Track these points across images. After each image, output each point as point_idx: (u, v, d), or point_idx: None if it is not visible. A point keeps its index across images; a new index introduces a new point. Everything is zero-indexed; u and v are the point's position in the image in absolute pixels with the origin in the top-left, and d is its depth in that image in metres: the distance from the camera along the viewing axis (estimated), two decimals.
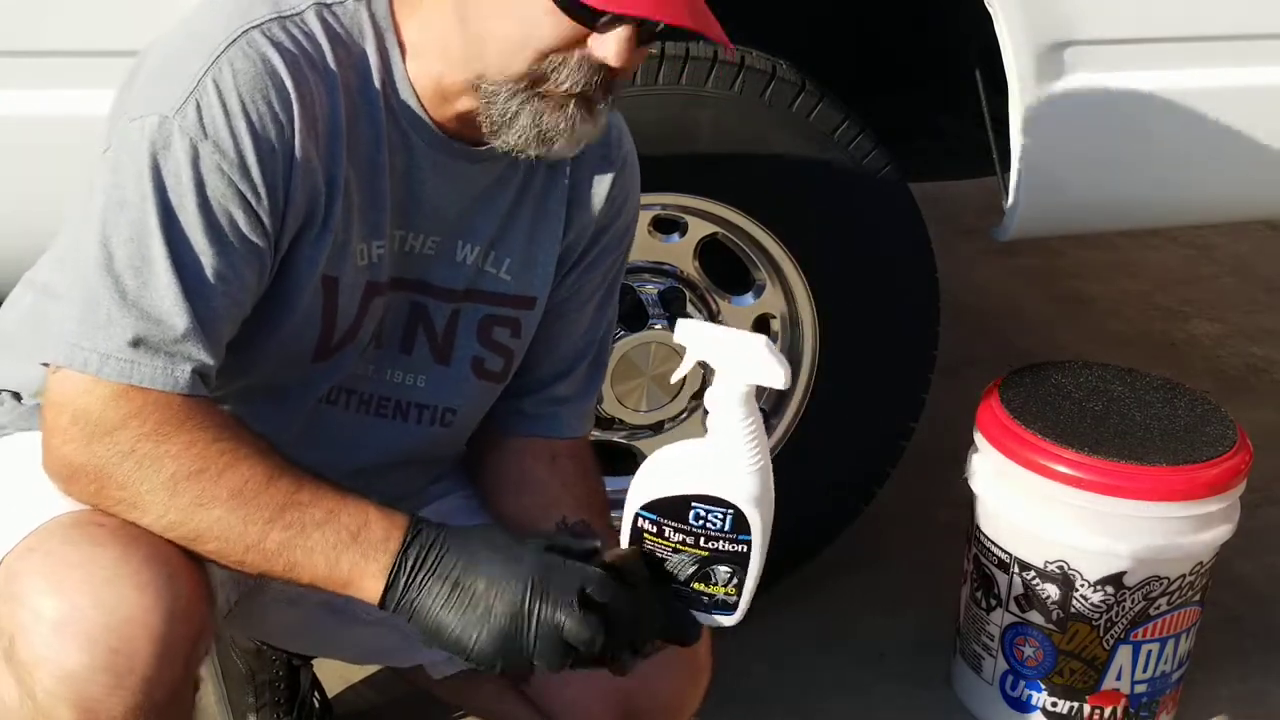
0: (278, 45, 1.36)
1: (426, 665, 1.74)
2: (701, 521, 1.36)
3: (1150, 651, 2.17)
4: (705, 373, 2.17)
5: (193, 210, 1.33)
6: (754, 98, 2.09)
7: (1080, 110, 2.13)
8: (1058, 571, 2.12)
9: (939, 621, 2.40)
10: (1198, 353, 3.65)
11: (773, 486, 1.38)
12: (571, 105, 1.40)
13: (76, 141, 1.57)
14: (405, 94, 1.45)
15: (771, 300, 2.27)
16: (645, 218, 2.15)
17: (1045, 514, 2.11)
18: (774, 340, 2.29)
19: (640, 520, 1.37)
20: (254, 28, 1.36)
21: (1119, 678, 2.18)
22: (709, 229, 2.20)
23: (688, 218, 2.18)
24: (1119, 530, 2.08)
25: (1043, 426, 2.13)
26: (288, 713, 2.05)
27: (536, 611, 1.30)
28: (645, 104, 2.01)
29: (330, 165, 1.41)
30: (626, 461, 2.31)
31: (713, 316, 2.24)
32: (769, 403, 2.32)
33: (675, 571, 1.38)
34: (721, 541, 1.37)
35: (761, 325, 2.29)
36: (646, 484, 1.37)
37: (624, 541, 1.39)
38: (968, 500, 2.26)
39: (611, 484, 1.76)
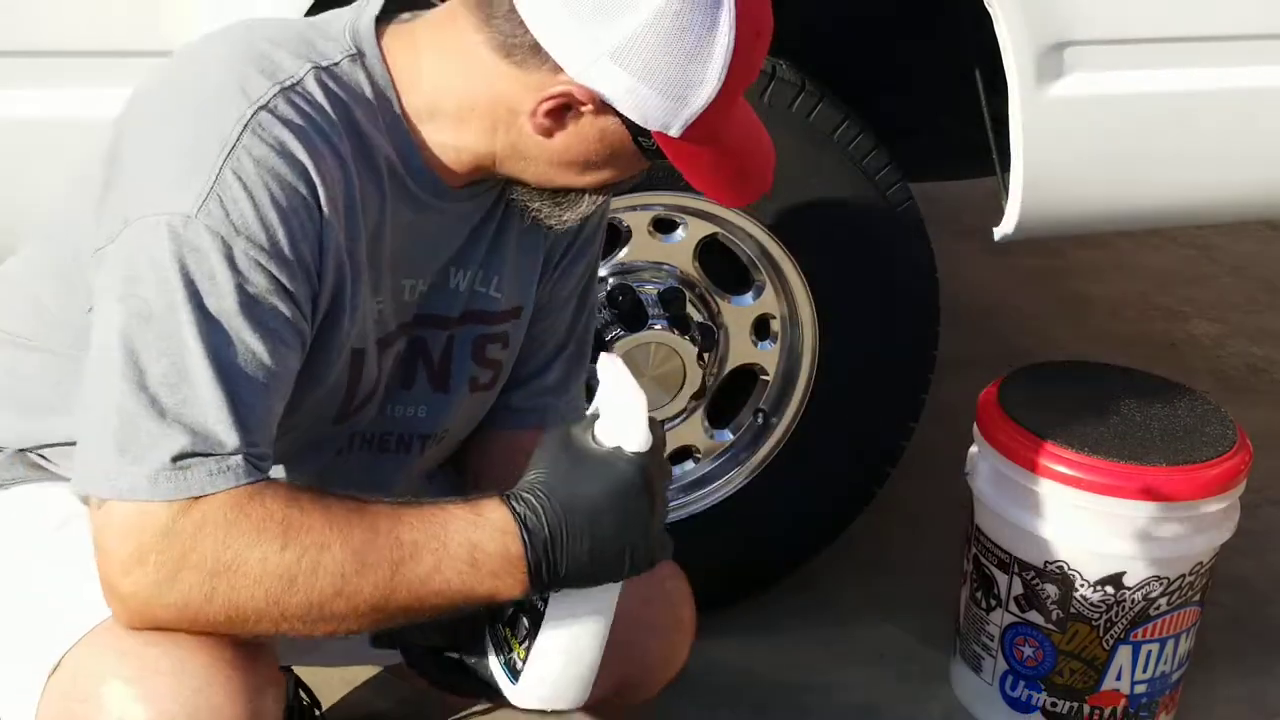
0: (289, 124, 1.29)
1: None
2: None
3: (1150, 651, 2.17)
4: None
5: (234, 311, 1.25)
6: (754, 98, 2.08)
7: (1080, 110, 2.13)
8: (1058, 571, 2.12)
9: (939, 621, 2.40)
10: (1198, 353, 3.65)
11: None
12: (588, 198, 1.44)
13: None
14: (409, 153, 1.40)
15: (771, 300, 2.27)
16: (645, 218, 2.16)
17: (1045, 514, 2.11)
18: (774, 340, 2.30)
19: None
20: (261, 109, 1.29)
21: (1119, 678, 2.18)
22: (709, 229, 2.20)
23: (687, 218, 2.18)
24: (1119, 530, 2.08)
25: (1043, 426, 2.13)
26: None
27: (647, 541, 1.32)
28: None
29: (351, 241, 1.36)
30: None
31: (713, 316, 2.24)
32: (770, 402, 2.33)
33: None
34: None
35: (761, 325, 2.29)
36: None
37: None
38: (968, 500, 2.26)
39: None
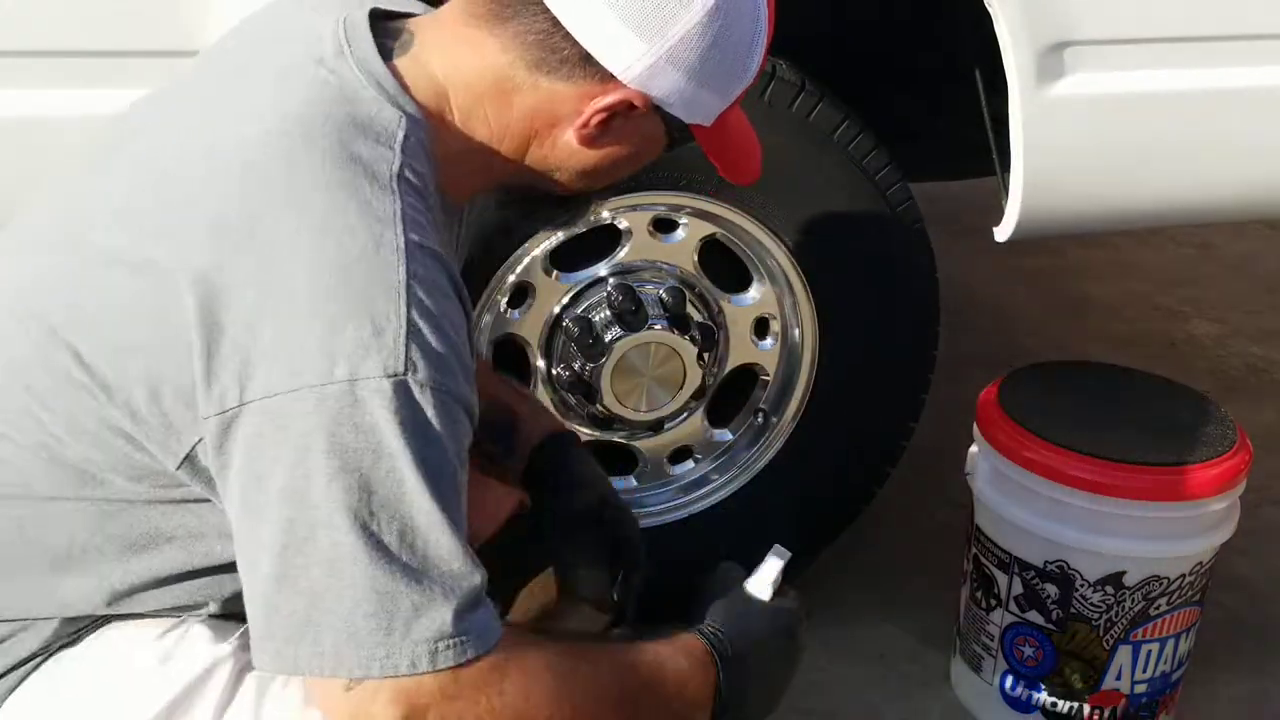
0: (426, 249, 1.24)
1: None
2: None
3: (1150, 651, 2.17)
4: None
5: (452, 459, 1.22)
6: (754, 98, 2.08)
7: (1080, 110, 2.13)
8: (1058, 571, 2.12)
9: (939, 621, 2.40)
10: (1198, 353, 3.65)
11: None
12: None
13: None
14: (435, 182, 1.34)
15: (771, 300, 2.27)
16: (645, 218, 2.16)
17: (1045, 514, 2.11)
18: (774, 340, 2.30)
19: None
20: (402, 234, 1.22)
21: (1119, 678, 2.18)
22: (709, 229, 2.20)
23: (687, 218, 2.18)
24: (1119, 530, 2.08)
25: (1042, 426, 2.13)
26: None
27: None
28: None
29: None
30: (626, 461, 2.31)
31: (713, 316, 2.24)
32: (770, 402, 2.33)
33: None
34: None
35: (761, 325, 2.29)
36: None
37: None
38: (968, 500, 2.26)
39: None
